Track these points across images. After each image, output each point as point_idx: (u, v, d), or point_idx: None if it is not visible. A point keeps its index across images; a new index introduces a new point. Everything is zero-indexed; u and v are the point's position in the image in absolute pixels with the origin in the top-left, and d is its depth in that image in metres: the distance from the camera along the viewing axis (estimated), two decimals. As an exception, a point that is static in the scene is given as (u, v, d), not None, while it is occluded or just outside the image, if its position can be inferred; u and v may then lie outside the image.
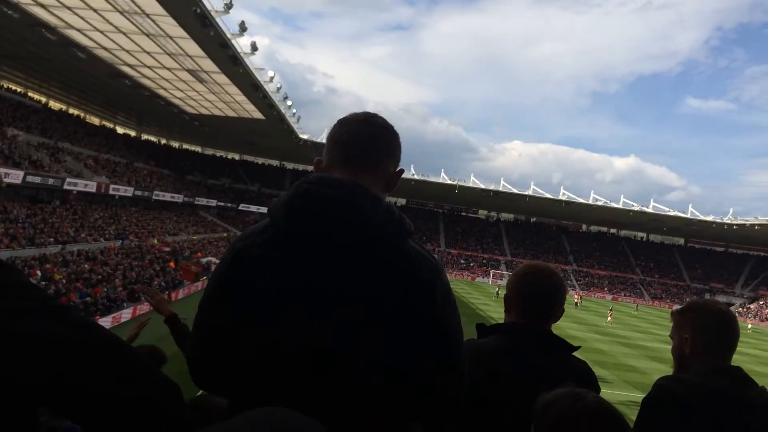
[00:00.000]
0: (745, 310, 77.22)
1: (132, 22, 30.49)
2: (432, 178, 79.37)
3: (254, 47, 36.52)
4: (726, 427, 1.68)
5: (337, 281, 1.34)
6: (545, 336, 1.90)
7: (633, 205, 78.52)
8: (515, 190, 79.48)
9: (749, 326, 50.88)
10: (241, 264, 1.41)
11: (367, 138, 1.49)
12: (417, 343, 1.36)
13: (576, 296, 44.77)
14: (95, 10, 29.12)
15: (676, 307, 2.08)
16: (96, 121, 64.85)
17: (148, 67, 39.75)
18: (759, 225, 70.58)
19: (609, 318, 47.80)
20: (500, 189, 79.32)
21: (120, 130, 69.75)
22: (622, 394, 21.22)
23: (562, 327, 36.67)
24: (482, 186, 79.68)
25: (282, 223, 1.39)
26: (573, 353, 1.92)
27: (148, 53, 36.23)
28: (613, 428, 1.19)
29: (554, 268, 2.02)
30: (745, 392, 1.74)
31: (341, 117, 1.54)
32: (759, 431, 1.69)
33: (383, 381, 1.34)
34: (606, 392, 21.82)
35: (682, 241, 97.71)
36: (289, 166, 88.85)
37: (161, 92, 47.91)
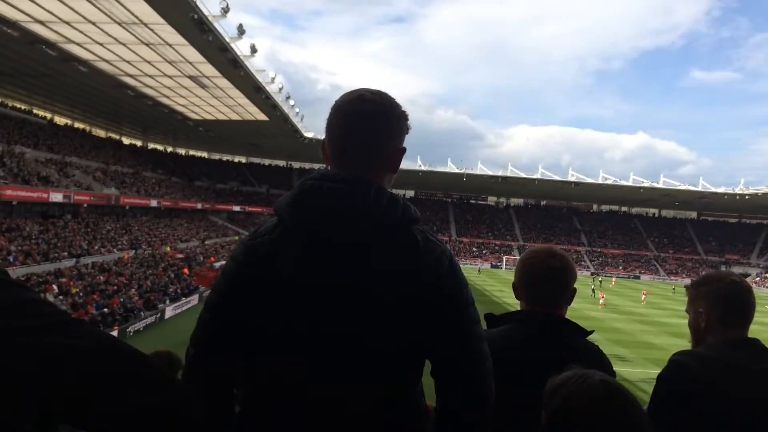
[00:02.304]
0: (762, 279, 76.65)
1: (131, 33, 30.56)
2: (439, 168, 79.03)
3: (254, 49, 36.50)
4: (742, 400, 1.66)
5: (347, 271, 1.37)
6: (556, 322, 1.89)
7: (643, 182, 77.93)
8: (523, 175, 79.09)
9: None
10: (252, 260, 1.44)
11: (356, 131, 1.46)
12: (431, 320, 1.39)
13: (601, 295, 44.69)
14: (94, 23, 29.22)
15: (691, 280, 2.07)
16: (102, 133, 65.13)
17: (150, 76, 39.88)
18: (772, 193, 69.91)
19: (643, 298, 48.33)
20: (508, 174, 78.99)
21: (126, 140, 70.03)
22: (642, 372, 21.16)
23: (578, 308, 36.60)
24: (490, 173, 79.34)
25: (288, 220, 1.42)
26: (587, 337, 1.91)
27: (149, 62, 36.34)
28: (622, 404, 1.21)
29: (557, 250, 2.00)
30: (762, 365, 1.72)
31: (339, 97, 1.51)
32: None
33: (398, 358, 1.40)
34: (626, 370, 21.87)
35: (694, 214, 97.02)
36: (296, 165, 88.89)
37: (164, 100, 48.06)
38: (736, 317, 1.85)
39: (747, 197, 74.95)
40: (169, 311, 29.60)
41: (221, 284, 1.48)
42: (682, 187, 77.77)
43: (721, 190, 76.54)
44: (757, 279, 77.44)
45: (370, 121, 1.45)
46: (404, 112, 1.51)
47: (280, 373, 1.40)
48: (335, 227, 1.37)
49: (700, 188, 76.94)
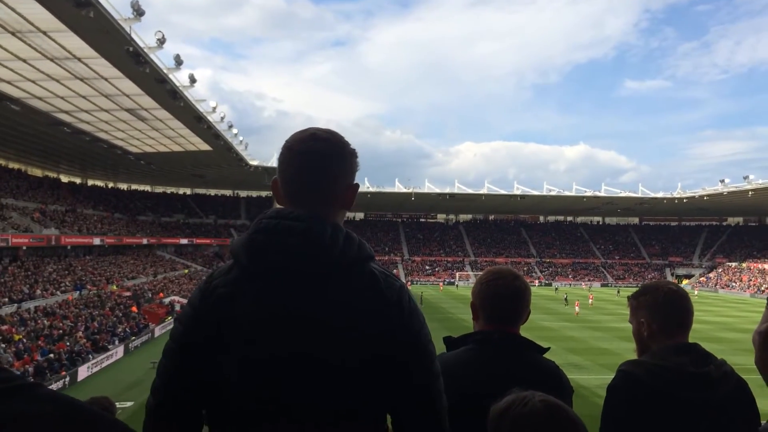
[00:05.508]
0: (705, 279, 79.32)
1: (64, 68, 29.84)
2: (387, 189, 79.51)
3: (193, 79, 36.17)
4: (689, 404, 1.72)
5: (306, 311, 1.36)
6: (515, 340, 1.94)
7: (585, 191, 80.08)
8: (470, 191, 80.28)
9: (696, 292, 55.35)
10: (209, 303, 1.42)
11: (310, 170, 1.47)
12: (391, 358, 1.39)
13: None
14: (24, 60, 28.42)
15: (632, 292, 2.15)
16: (38, 172, 63.08)
17: (86, 111, 38.90)
18: (707, 195, 72.73)
19: (590, 300, 51.81)
20: (455, 191, 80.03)
21: (64, 178, 67.99)
22: (598, 378, 21.54)
23: (533, 319, 37.14)
24: (437, 190, 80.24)
25: (245, 260, 1.41)
26: (543, 354, 1.96)
27: (84, 97, 35.49)
28: (564, 423, 1.27)
29: (517, 272, 2.06)
30: (704, 367, 1.78)
31: (289, 136, 1.52)
32: (720, 404, 1.73)
33: (358, 400, 1.38)
34: (582, 377, 22.15)
35: (636, 220, 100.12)
36: (243, 194, 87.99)
37: (102, 135, 46.91)
38: (676, 324, 1.91)
39: (684, 201, 77.77)
40: (83, 371, 24.75)
41: (178, 331, 1.46)
42: (623, 194, 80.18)
43: (659, 195, 79.23)
44: (701, 279, 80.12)
45: (323, 160, 1.47)
46: (354, 150, 1.54)
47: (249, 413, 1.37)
48: (292, 265, 1.37)
49: (639, 194, 79.46)
